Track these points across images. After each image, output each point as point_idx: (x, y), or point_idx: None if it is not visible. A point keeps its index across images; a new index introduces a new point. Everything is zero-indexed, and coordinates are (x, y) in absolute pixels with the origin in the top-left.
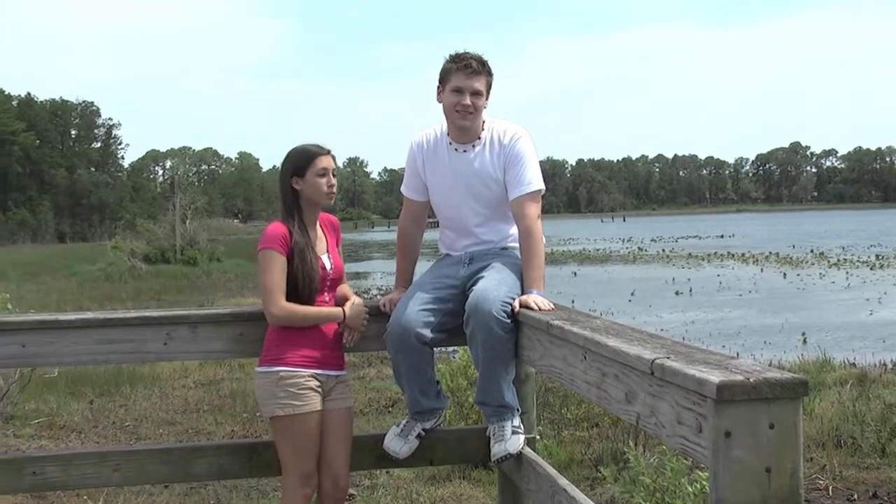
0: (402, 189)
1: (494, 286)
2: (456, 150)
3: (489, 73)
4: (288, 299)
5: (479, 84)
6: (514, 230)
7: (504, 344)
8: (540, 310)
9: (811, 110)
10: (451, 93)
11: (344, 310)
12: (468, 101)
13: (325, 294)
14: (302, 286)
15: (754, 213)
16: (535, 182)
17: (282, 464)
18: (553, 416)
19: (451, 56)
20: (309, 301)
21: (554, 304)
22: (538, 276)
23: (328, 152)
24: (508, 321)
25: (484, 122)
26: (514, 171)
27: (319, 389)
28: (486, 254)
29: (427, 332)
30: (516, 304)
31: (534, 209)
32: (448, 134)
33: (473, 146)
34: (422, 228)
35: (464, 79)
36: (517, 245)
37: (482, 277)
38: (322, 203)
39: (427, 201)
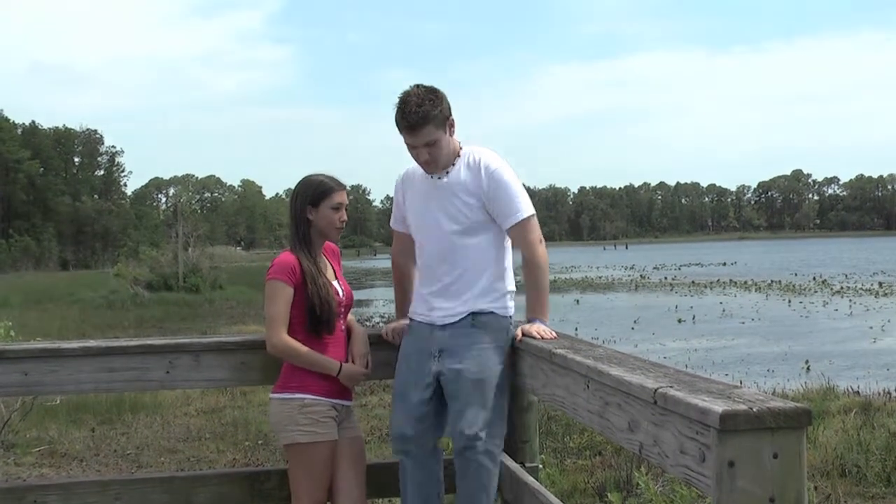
0: (391, 222)
1: (474, 421)
2: (431, 176)
3: (435, 115)
4: (309, 326)
5: (427, 135)
6: (485, 282)
7: (492, 476)
8: (542, 338)
9: (813, 138)
10: (409, 148)
11: (342, 365)
12: (426, 156)
13: (340, 320)
14: (321, 311)
15: (757, 240)
16: (525, 209)
17: (293, 492)
18: (556, 444)
19: (395, 109)
20: (329, 326)
21: (557, 333)
22: (541, 304)
23: (344, 188)
24: (497, 450)
25: (461, 148)
26: (502, 203)
27: (337, 419)
28: (456, 345)
29: (429, 437)
30: (519, 332)
31: (532, 235)
32: None
33: (448, 172)
34: (413, 258)
35: (410, 137)
36: (493, 306)
37: (458, 411)
38: (331, 237)
39: None
